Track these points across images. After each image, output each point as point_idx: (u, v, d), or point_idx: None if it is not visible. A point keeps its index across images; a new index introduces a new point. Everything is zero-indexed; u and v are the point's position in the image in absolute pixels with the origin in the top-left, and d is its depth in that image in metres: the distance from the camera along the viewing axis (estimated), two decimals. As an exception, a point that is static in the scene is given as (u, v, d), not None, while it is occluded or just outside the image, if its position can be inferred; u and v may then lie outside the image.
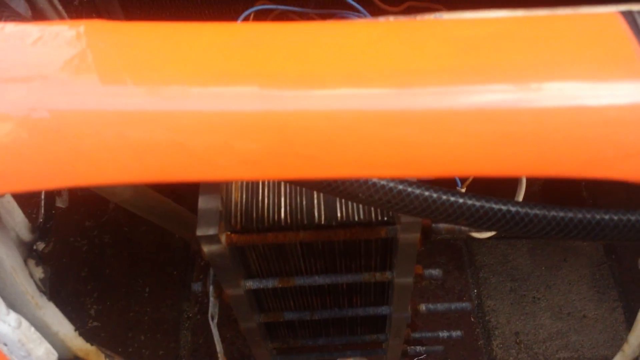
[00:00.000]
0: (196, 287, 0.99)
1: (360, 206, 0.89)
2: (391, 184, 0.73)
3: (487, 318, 1.95)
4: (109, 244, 2.15)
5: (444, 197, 0.73)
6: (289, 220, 0.88)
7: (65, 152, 0.43)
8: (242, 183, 0.92)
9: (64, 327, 0.79)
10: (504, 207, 0.72)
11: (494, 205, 0.72)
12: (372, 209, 0.89)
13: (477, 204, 0.72)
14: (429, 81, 0.44)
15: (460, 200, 0.72)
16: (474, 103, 0.44)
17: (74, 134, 0.42)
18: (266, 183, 0.92)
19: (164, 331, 1.97)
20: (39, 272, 0.79)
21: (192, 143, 0.42)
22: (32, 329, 0.70)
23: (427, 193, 0.73)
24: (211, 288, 0.96)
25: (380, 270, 0.98)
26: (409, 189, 0.73)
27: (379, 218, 0.88)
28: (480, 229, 0.75)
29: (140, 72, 0.42)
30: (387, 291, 1.07)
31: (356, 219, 0.88)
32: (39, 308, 0.76)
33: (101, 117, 0.41)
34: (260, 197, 0.91)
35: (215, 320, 0.94)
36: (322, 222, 0.88)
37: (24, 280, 0.73)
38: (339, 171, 0.48)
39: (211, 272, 0.98)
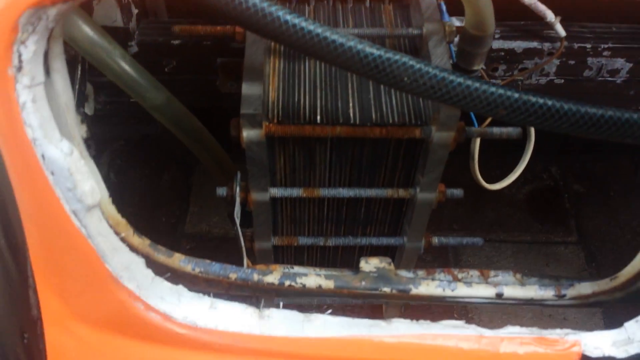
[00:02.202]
0: (221, 191, 0.99)
1: (395, 109, 0.92)
2: (436, 71, 0.78)
3: (470, 315, 1.97)
4: None
5: (485, 86, 0.78)
6: (324, 120, 0.91)
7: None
8: (278, 83, 0.95)
9: (100, 188, 0.78)
10: (540, 100, 0.77)
11: (531, 98, 0.77)
12: (406, 112, 0.92)
13: (516, 95, 0.77)
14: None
15: (501, 91, 0.77)
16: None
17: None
18: (303, 84, 0.95)
19: None
20: (82, 130, 0.79)
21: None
22: (82, 161, 0.70)
23: (469, 82, 0.78)
24: (237, 189, 0.97)
25: (403, 187, 1.01)
26: (452, 77, 0.78)
27: (413, 121, 0.91)
28: (518, 120, 0.80)
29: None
30: (403, 220, 1.09)
31: (390, 120, 0.91)
32: (82, 157, 0.75)
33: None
34: (297, 98, 0.93)
35: (239, 221, 0.94)
36: (357, 122, 0.91)
37: (73, 122, 0.73)
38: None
39: (238, 175, 0.99)
